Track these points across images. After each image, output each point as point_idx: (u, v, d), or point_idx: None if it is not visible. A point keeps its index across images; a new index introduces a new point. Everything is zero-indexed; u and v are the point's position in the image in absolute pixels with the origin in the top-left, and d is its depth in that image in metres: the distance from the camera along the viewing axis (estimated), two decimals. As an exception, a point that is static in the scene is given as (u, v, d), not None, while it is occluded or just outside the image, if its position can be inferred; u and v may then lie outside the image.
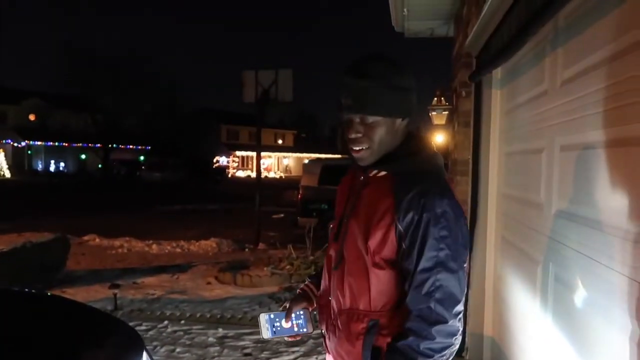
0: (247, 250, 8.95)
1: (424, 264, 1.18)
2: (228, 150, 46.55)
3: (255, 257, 7.45)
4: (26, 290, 2.31)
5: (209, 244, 9.25)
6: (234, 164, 47.34)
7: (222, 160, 45.77)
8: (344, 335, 1.32)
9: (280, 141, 52.55)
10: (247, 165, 49.16)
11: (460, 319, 1.22)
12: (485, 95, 3.37)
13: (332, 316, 1.37)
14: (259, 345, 4.02)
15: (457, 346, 1.22)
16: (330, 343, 1.40)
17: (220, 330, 4.31)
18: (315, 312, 1.54)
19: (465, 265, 1.25)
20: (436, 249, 1.18)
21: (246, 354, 3.84)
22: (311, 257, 6.06)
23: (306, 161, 13.07)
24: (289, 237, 9.84)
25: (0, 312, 1.71)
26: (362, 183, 1.35)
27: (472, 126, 3.47)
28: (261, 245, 9.31)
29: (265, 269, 5.92)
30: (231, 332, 4.27)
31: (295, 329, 1.48)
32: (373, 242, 1.25)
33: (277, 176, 46.15)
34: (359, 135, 1.28)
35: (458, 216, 1.23)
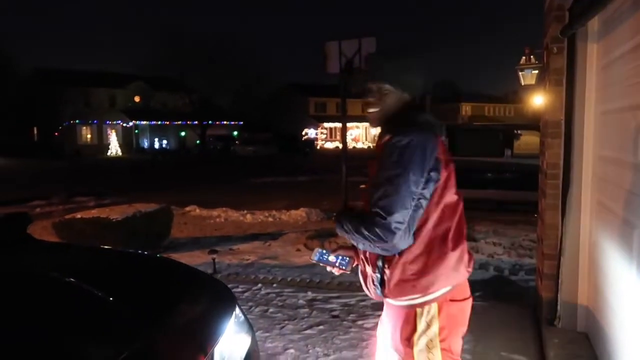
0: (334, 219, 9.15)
1: (377, 179, 1.53)
2: (316, 123, 47.19)
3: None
4: (139, 251, 2.62)
5: (298, 214, 9.57)
6: (322, 136, 47.94)
7: (311, 132, 46.57)
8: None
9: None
10: (335, 137, 49.51)
11: (397, 226, 1.48)
12: (580, 50, 3.13)
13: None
14: (346, 308, 4.18)
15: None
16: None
17: (309, 293, 4.53)
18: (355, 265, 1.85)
19: (419, 185, 1.51)
20: (389, 170, 1.51)
21: (334, 316, 4.02)
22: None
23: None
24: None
25: (119, 268, 1.97)
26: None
27: (564, 85, 3.25)
28: (349, 215, 9.48)
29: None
30: (319, 296, 4.47)
31: (337, 263, 1.85)
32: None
33: (365, 146, 46.04)
34: (374, 99, 1.67)
35: (413, 150, 1.52)
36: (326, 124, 48.38)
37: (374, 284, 1.63)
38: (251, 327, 1.98)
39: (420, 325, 1.57)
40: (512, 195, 9.48)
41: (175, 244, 6.60)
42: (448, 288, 1.58)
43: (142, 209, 6.15)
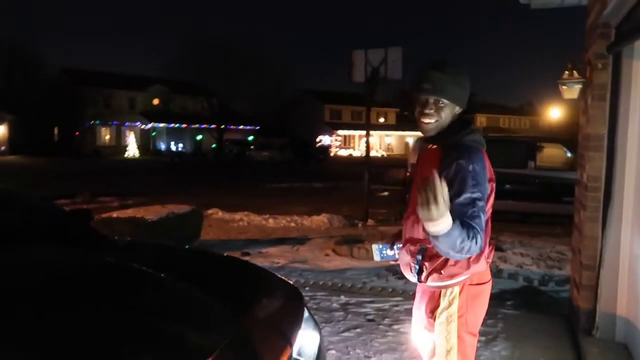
0: (358, 226, 9.23)
1: (461, 201, 1.65)
2: (331, 130, 47.37)
3: (368, 233, 7.70)
4: (212, 252, 2.75)
5: (320, 219, 9.68)
6: (337, 143, 48.08)
7: (325, 139, 46.73)
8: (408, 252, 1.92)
9: (382, 119, 52.25)
10: (350, 144, 49.69)
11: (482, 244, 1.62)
12: (625, 66, 3.21)
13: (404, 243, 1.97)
14: (381, 312, 4.26)
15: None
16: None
17: (342, 297, 4.61)
18: None
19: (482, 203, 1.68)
20: (471, 192, 1.66)
21: (369, 320, 4.10)
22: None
23: (409, 140, 13.01)
24: (396, 214, 9.99)
25: (199, 265, 2.09)
26: (425, 154, 1.90)
27: (608, 100, 3.33)
28: (370, 222, 9.54)
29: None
30: (353, 300, 4.56)
31: (397, 255, 2.01)
32: None
33: (380, 154, 46.09)
34: (432, 111, 1.79)
35: (479, 172, 1.71)
36: (340, 131, 48.54)
37: (411, 272, 1.92)
38: (317, 325, 2.08)
39: (443, 303, 1.85)
40: (536, 207, 9.50)
41: (205, 245, 6.73)
42: (466, 276, 1.83)
43: (175, 210, 6.30)
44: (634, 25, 2.86)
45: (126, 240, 2.70)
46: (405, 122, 52.07)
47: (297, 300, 1.99)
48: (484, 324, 2.13)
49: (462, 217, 1.62)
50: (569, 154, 11.06)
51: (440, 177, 1.58)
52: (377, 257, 2.14)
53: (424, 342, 1.97)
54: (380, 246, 2.13)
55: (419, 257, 1.86)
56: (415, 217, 1.83)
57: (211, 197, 13.38)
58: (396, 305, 4.42)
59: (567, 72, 3.62)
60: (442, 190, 1.48)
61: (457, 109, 1.84)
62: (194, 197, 13.01)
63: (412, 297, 4.97)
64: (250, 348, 1.47)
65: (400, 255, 2.01)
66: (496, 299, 4.25)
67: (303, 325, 1.87)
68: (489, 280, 1.94)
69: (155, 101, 42.08)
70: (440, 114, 1.80)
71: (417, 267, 1.87)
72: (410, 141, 52.09)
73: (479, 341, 2.01)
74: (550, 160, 11.24)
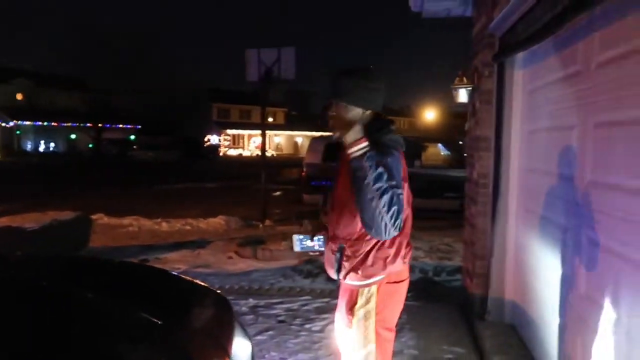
0: (259, 227, 9.14)
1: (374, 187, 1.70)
2: (219, 129, 46.37)
3: (267, 233, 7.67)
4: (125, 261, 2.51)
5: (217, 222, 9.43)
6: (226, 143, 47.21)
7: (213, 138, 45.65)
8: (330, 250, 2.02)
9: (271, 119, 52.34)
10: (239, 144, 49.07)
11: (394, 224, 1.71)
12: (508, 75, 3.57)
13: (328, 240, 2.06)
14: (291, 313, 4.28)
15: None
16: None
17: (250, 300, 4.55)
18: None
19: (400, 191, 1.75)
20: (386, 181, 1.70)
21: (280, 321, 4.09)
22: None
23: (298, 139, 13.22)
24: (292, 214, 10.08)
25: (119, 277, 1.90)
26: (343, 154, 1.89)
27: (494, 105, 3.68)
28: (267, 222, 9.51)
29: (282, 243, 6.15)
30: (262, 302, 4.52)
31: (316, 247, 2.13)
32: (341, 187, 1.91)
33: (269, 154, 46.12)
34: (333, 115, 1.89)
35: (393, 167, 1.77)
36: (229, 131, 47.75)
37: (332, 268, 2.01)
38: (247, 332, 2.03)
39: (361, 300, 1.93)
40: (422, 203, 10.19)
41: (95, 253, 6.20)
42: (384, 276, 1.92)
43: (57, 217, 5.72)
44: (516, 39, 3.20)
45: (17, 254, 2.38)
46: (294, 121, 52.84)
47: (227, 309, 1.92)
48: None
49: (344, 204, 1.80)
50: (446, 153, 12.07)
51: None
52: (297, 248, 2.20)
53: (343, 338, 2.03)
54: (301, 237, 2.20)
55: (338, 255, 1.96)
56: (337, 214, 1.97)
57: (92, 201, 12.36)
58: (305, 305, 4.47)
59: (457, 78, 3.92)
60: None
61: (367, 112, 1.90)
62: (73, 201, 11.90)
63: (320, 295, 5.07)
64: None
65: (325, 252, 2.09)
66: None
67: (238, 332, 1.81)
68: (406, 279, 2.04)
69: (19, 96, 37.72)
70: (344, 118, 1.86)
71: (337, 265, 1.96)
72: (300, 141, 52.95)
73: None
74: (432, 159, 12.17)
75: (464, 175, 9.44)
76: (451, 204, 9.60)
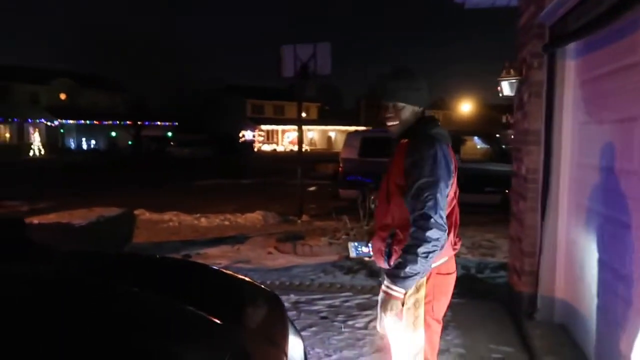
0: (296, 222, 9.18)
1: (419, 184, 1.84)
2: (253, 125, 46.82)
3: (306, 229, 7.70)
4: (176, 258, 2.55)
5: (254, 217, 9.52)
6: (260, 138, 47.64)
7: (248, 134, 46.12)
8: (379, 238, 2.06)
9: (304, 114, 52.39)
10: (273, 139, 49.42)
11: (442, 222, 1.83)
12: (559, 66, 3.44)
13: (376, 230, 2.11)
14: (333, 309, 4.27)
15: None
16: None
17: (292, 296, 4.57)
18: None
19: (448, 188, 1.91)
20: (428, 176, 1.85)
21: (322, 317, 4.09)
22: (366, 227, 6.25)
23: (332, 134, 13.17)
24: (328, 209, 10.06)
25: (173, 279, 1.93)
26: (396, 148, 2.05)
27: (544, 97, 3.55)
28: (304, 217, 9.54)
29: (322, 239, 6.15)
30: (303, 298, 4.52)
31: (370, 252, 2.17)
32: (393, 178, 1.99)
33: (303, 149, 46.28)
34: (392, 115, 2.02)
35: (438, 159, 1.89)
36: (263, 126, 48.14)
37: (382, 256, 2.03)
38: (298, 330, 2.02)
39: (411, 289, 1.92)
40: (463, 198, 9.99)
41: (139, 248, 6.36)
42: (436, 264, 1.94)
43: (104, 214, 5.89)
44: (569, 29, 3.07)
45: (68, 250, 2.45)
46: (327, 116, 52.82)
47: (279, 307, 1.92)
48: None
49: (417, 199, 1.84)
50: (484, 146, 11.77)
51: (406, 163, 1.92)
52: (353, 254, 2.26)
53: (392, 328, 2.04)
54: (356, 244, 2.27)
55: (389, 240, 1.99)
56: (384, 205, 2.06)
57: (134, 197, 12.68)
58: (347, 301, 4.45)
59: (504, 70, 3.80)
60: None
61: (417, 109, 2.05)
62: (115, 197, 12.27)
63: (361, 292, 5.03)
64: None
65: (372, 243, 2.14)
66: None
67: (291, 331, 1.81)
68: (454, 272, 2.08)
69: (62, 96, 39.07)
70: (400, 116, 2.03)
71: (388, 250, 1.99)
72: (333, 135, 52.89)
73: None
74: (470, 152, 11.91)
75: (504, 169, 9.26)
76: (492, 198, 9.38)
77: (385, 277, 1.87)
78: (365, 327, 3.87)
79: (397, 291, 1.83)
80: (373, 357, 3.37)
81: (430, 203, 1.82)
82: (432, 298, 1.97)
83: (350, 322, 3.97)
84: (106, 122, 39.35)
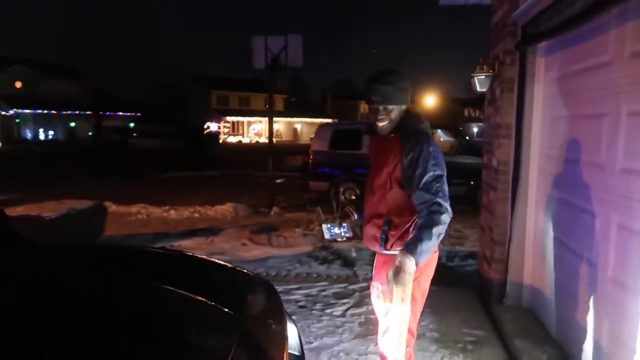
0: (268, 214, 9.19)
1: (427, 179, 2.10)
2: (218, 116, 46.21)
3: (279, 220, 7.73)
4: (169, 249, 2.56)
5: (225, 209, 9.48)
6: (225, 130, 47.09)
7: (212, 126, 45.49)
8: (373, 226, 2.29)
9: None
10: (238, 131, 48.97)
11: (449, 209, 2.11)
12: (530, 63, 3.60)
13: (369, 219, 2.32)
14: (310, 298, 4.35)
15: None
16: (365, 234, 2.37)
17: (269, 286, 4.62)
18: (356, 225, 2.53)
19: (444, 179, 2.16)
20: (433, 170, 2.11)
21: (301, 306, 4.17)
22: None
23: (298, 126, 13.19)
24: (299, 201, 10.12)
25: (174, 267, 1.95)
26: (383, 142, 2.28)
27: (515, 92, 3.71)
28: (275, 209, 9.57)
29: (296, 230, 6.22)
30: (280, 288, 4.56)
31: (343, 234, 2.46)
32: (389, 170, 2.21)
33: (268, 141, 46.00)
34: (383, 116, 2.21)
35: (438, 153, 2.17)
36: (229, 118, 47.60)
37: (377, 242, 2.26)
38: (290, 316, 2.09)
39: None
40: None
41: (110, 242, 6.26)
42: None
43: (74, 206, 5.76)
44: (541, 28, 3.23)
45: (57, 243, 2.42)
46: (293, 108, 52.63)
47: (275, 294, 1.97)
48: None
49: (427, 191, 2.08)
50: (450, 139, 12.06)
51: (404, 157, 2.15)
52: (327, 235, 2.48)
53: (381, 304, 2.32)
54: (329, 225, 2.49)
55: (386, 227, 2.23)
56: (378, 195, 2.27)
57: (98, 189, 12.38)
58: (323, 290, 4.54)
59: (478, 66, 3.95)
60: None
61: (404, 107, 2.27)
62: (79, 190, 11.93)
63: (337, 281, 5.13)
64: (257, 346, 1.44)
65: (365, 230, 2.35)
66: (415, 277, 4.58)
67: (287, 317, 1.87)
68: (437, 251, 2.31)
69: (18, 84, 37.45)
70: (390, 116, 2.22)
71: (384, 236, 2.23)
72: (299, 127, 52.82)
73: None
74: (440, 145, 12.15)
75: (469, 161, 9.51)
76: (458, 190, 9.65)
77: (399, 255, 2.00)
78: (343, 315, 3.97)
79: (411, 266, 1.98)
80: (352, 343, 3.47)
81: (440, 193, 2.08)
82: (420, 275, 2.19)
83: (328, 310, 4.06)
84: (65, 112, 37.97)
